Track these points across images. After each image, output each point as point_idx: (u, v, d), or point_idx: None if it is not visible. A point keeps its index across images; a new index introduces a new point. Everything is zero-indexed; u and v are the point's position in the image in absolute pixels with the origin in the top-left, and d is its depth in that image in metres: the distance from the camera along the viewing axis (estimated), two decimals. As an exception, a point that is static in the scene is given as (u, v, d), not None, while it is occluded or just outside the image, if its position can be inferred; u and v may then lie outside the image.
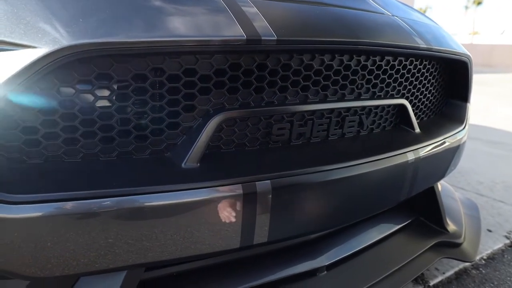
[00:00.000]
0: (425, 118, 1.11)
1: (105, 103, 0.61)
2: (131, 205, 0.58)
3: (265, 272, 0.83)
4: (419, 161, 0.92)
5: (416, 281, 1.24)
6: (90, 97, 0.59)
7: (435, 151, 0.98)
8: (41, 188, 0.55)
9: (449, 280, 1.28)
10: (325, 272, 0.92)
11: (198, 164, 0.66)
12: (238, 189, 0.65)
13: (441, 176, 1.08)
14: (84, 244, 0.56)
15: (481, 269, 1.36)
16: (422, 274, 1.27)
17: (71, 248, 0.56)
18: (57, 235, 0.55)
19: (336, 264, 0.94)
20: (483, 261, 1.41)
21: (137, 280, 0.66)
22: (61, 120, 0.58)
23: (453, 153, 1.07)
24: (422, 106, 1.08)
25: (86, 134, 0.61)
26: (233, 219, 0.66)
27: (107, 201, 0.56)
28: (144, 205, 0.58)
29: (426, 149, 0.95)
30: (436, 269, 1.32)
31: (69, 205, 0.55)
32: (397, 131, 1.00)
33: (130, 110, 0.62)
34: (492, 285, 1.27)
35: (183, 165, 0.65)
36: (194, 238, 0.64)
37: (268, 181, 0.68)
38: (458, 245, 1.18)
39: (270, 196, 0.67)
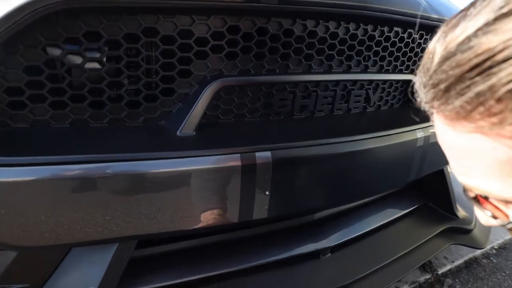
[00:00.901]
0: (435, 98, 1.06)
1: (94, 64, 0.57)
2: (122, 171, 0.54)
3: (267, 252, 0.79)
4: (429, 139, 0.88)
5: (423, 269, 1.19)
6: (78, 58, 0.56)
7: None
8: (27, 151, 0.51)
9: (458, 269, 1.23)
10: (329, 254, 0.87)
11: (194, 133, 0.62)
12: (236, 160, 0.61)
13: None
14: (75, 212, 0.53)
15: (492, 258, 1.31)
16: (430, 262, 1.22)
17: (61, 216, 0.52)
18: (46, 201, 0.51)
19: (340, 246, 0.90)
20: (494, 251, 1.36)
21: (128, 255, 0.62)
22: (47, 81, 0.54)
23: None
24: (432, 85, 1.03)
25: (75, 98, 0.57)
26: (231, 191, 0.62)
27: (97, 167, 0.52)
28: (135, 172, 0.55)
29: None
30: (445, 257, 1.27)
31: (57, 169, 0.51)
32: (405, 109, 0.95)
33: (122, 73, 0.58)
34: (503, 274, 1.22)
35: (178, 132, 0.61)
36: (190, 210, 0.60)
37: (269, 152, 0.63)
38: (468, 231, 1.13)
39: (271, 168, 0.63)
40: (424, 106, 0.29)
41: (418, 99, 0.29)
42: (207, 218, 0.62)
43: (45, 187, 0.51)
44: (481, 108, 0.24)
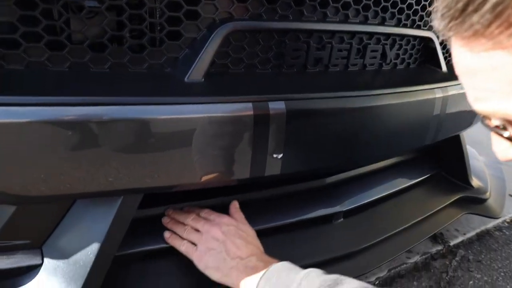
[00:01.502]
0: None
1: (94, 2, 0.52)
2: (127, 116, 0.50)
3: (278, 215, 0.75)
4: (447, 100, 0.83)
5: (435, 240, 1.16)
6: (76, -8, 0.51)
7: (462, 92, 0.89)
8: (25, 91, 0.47)
9: (470, 241, 1.20)
10: (342, 219, 0.84)
11: (203, 80, 0.57)
12: (248, 109, 0.56)
13: (468, 123, 0.99)
14: (77, 160, 0.49)
15: (504, 231, 1.28)
16: (442, 234, 1.19)
17: (64, 163, 0.48)
18: (48, 146, 0.47)
19: (353, 212, 0.86)
20: (506, 224, 1.32)
21: (132, 211, 0.58)
22: (42, 17, 0.50)
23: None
24: (450, 46, 0.97)
25: (73, 38, 0.53)
26: (243, 143, 0.58)
27: (100, 110, 0.48)
28: (140, 118, 0.50)
29: (455, 88, 0.85)
30: (456, 230, 1.24)
31: (57, 111, 0.46)
32: (422, 69, 0.90)
33: (124, 12, 0.54)
34: (517, 245, 1.19)
35: (185, 79, 0.56)
36: (197, 162, 0.56)
37: (283, 102, 0.59)
38: (483, 201, 1.09)
39: (284, 119, 0.59)
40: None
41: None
42: (216, 171, 0.58)
43: (46, 130, 0.46)
44: (499, 21, 0.24)
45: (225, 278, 0.60)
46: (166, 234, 0.66)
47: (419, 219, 0.97)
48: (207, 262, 0.61)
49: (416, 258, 1.07)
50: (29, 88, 0.48)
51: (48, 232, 0.59)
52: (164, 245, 0.65)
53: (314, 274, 0.54)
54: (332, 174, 0.86)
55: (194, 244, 0.64)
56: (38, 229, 0.59)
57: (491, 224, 1.29)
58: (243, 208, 0.72)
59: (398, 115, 0.75)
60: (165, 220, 0.68)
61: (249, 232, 0.67)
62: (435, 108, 0.81)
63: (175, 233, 0.66)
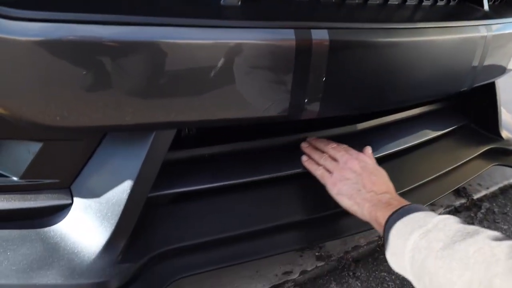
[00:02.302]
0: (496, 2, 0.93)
1: None
2: (157, 38, 0.45)
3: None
4: (490, 39, 0.77)
5: (458, 194, 1.14)
6: None
7: (505, 32, 0.83)
8: (52, 5, 0.42)
9: (494, 194, 1.18)
10: (372, 167, 0.81)
11: (240, 3, 0.52)
12: (289, 35, 0.51)
13: (504, 69, 0.93)
14: (110, 85, 0.45)
15: (528, 185, 1.26)
16: (464, 188, 1.17)
17: (93, 88, 0.44)
18: (77, 67, 0.42)
19: (379, 161, 0.83)
20: (530, 179, 1.30)
21: (164, 149, 0.54)
22: None
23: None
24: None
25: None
26: (281, 75, 0.53)
27: (129, 30, 0.43)
28: (171, 41, 0.45)
29: (498, 28, 0.79)
30: (479, 184, 1.21)
31: (86, 29, 0.42)
32: (463, 6, 0.83)
33: None
34: (543, 198, 1.17)
35: (222, 1, 0.51)
36: (234, 94, 0.52)
37: (326, 30, 0.54)
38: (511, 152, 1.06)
39: (327, 49, 0.54)
40: None
41: None
42: (251, 105, 0.54)
43: (76, 50, 0.42)
44: None
45: (355, 206, 0.62)
46: (304, 158, 0.71)
47: (447, 169, 0.94)
48: (340, 189, 0.64)
49: (440, 211, 1.05)
50: (52, 3, 0.43)
51: (76, 171, 0.56)
52: (196, 187, 0.62)
53: (453, 221, 0.48)
54: (362, 120, 0.82)
55: (329, 171, 0.67)
56: (66, 168, 0.56)
57: (514, 179, 1.26)
58: (272, 151, 0.69)
59: (440, 52, 0.70)
60: (304, 145, 0.73)
61: (384, 173, 0.68)
62: (477, 47, 0.76)
63: (311, 159, 0.70)
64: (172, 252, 0.57)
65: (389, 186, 0.66)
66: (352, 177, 0.64)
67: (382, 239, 0.56)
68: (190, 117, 0.51)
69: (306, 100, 0.57)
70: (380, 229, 0.57)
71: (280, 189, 0.69)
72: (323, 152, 0.70)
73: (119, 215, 0.53)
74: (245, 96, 0.53)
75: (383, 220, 0.56)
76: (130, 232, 0.54)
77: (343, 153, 0.68)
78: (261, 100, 0.54)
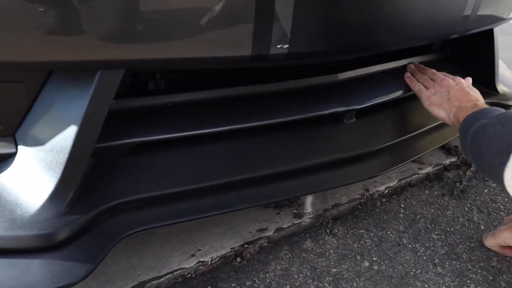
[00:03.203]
0: None
1: None
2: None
3: (287, 110, 0.66)
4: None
5: (449, 152, 1.10)
6: None
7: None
8: None
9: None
10: (354, 119, 0.76)
11: None
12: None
13: (503, 16, 0.85)
14: (46, 13, 0.39)
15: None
16: (456, 146, 1.12)
17: (29, 17, 0.38)
18: None
19: (366, 112, 0.78)
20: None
21: (111, 91, 0.49)
22: None
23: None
24: None
25: None
26: (242, 7, 0.47)
27: None
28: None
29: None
30: (472, 143, 1.17)
31: None
32: None
33: None
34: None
35: None
36: (185, 27, 0.45)
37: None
38: (508, 107, 1.00)
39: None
40: None
41: None
42: (208, 43, 0.48)
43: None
44: None
45: (443, 113, 0.74)
46: (407, 75, 0.84)
47: (437, 123, 0.89)
48: (432, 100, 0.76)
49: (428, 169, 1.01)
50: None
51: (19, 116, 0.51)
52: (154, 138, 0.57)
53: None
54: (345, 69, 0.76)
55: (426, 88, 0.78)
56: (8, 114, 0.51)
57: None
58: (250, 101, 0.63)
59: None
60: (410, 66, 0.86)
61: (477, 92, 0.77)
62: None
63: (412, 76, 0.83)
64: (127, 206, 0.54)
65: (479, 99, 0.74)
66: (444, 91, 0.75)
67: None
68: (135, 55, 0.45)
69: (272, 38, 0.51)
70: (458, 127, 0.68)
71: (249, 141, 0.64)
72: (423, 74, 0.82)
73: (64, 164, 0.48)
74: (198, 30, 0.46)
75: (462, 119, 0.67)
76: (78, 183, 0.50)
77: (441, 76, 0.78)
78: (217, 36, 0.48)
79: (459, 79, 0.79)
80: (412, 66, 0.86)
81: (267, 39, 0.50)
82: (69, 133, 0.48)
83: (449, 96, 0.74)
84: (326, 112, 0.69)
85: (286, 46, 0.52)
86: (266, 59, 0.53)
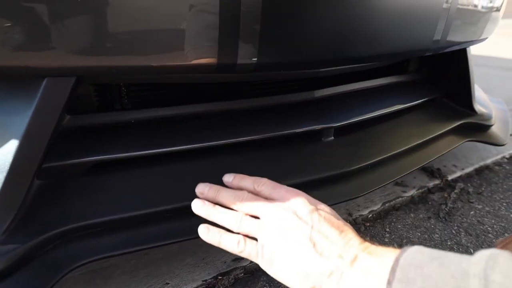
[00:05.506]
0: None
1: None
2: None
3: (262, 128, 0.62)
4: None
5: (432, 175, 1.07)
6: None
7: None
8: None
9: (469, 175, 1.12)
10: (332, 138, 0.72)
11: None
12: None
13: (477, 35, 0.86)
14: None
15: (504, 165, 1.20)
16: (439, 169, 1.10)
17: None
18: None
19: (344, 131, 0.74)
20: (506, 160, 1.24)
21: (60, 102, 0.44)
22: None
23: (487, 17, 0.84)
24: None
25: None
26: (206, 18, 0.44)
27: None
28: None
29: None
30: (454, 165, 1.15)
31: None
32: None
33: None
34: (519, 178, 1.10)
35: None
36: (141, 31, 0.42)
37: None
38: (487, 127, 0.99)
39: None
40: None
41: None
42: (170, 51, 0.44)
43: None
44: None
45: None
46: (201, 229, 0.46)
47: (418, 142, 0.86)
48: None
49: (412, 192, 0.98)
50: None
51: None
52: (109, 156, 0.52)
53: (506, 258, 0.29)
54: (321, 86, 0.73)
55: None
56: None
57: (490, 160, 1.20)
58: (223, 117, 0.59)
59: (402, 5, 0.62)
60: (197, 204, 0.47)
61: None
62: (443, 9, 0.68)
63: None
64: (77, 232, 0.47)
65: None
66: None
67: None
68: (86, 61, 0.41)
69: (239, 47, 0.47)
70: None
71: (220, 161, 0.59)
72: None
73: (0, 185, 0.42)
74: (163, 38, 0.43)
75: None
76: (17, 207, 0.44)
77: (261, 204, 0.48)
78: (179, 42, 0.44)
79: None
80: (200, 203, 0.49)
81: (234, 47, 0.47)
82: (8, 150, 0.42)
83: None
84: (303, 129, 0.65)
85: (254, 59, 0.49)
86: (233, 69, 0.49)
